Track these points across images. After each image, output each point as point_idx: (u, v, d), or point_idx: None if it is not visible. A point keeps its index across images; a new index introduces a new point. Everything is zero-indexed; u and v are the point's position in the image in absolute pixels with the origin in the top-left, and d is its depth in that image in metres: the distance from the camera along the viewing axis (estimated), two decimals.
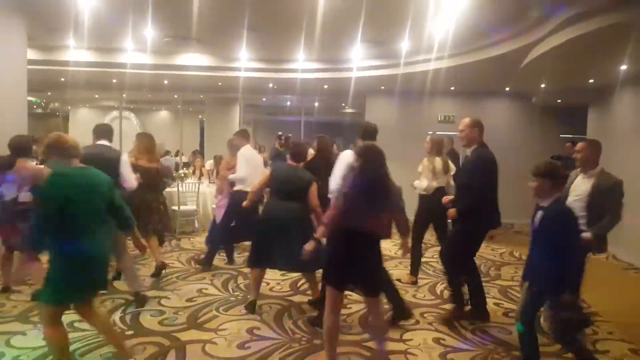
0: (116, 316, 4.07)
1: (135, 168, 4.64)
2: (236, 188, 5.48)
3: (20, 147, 4.21)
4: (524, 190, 11.17)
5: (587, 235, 3.60)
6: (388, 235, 3.22)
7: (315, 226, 3.95)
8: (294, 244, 3.68)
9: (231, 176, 5.59)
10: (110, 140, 4.55)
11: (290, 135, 9.98)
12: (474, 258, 4.36)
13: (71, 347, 3.41)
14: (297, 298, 4.66)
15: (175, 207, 7.35)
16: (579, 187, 3.84)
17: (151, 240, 5.10)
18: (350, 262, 3.01)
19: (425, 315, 4.35)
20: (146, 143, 5.21)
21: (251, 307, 4.24)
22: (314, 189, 4.10)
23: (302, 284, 5.12)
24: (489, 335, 3.93)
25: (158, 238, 5.85)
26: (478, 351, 3.62)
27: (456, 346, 3.71)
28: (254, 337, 3.72)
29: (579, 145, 3.98)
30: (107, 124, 4.85)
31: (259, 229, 4.21)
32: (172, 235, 7.10)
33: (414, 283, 5.27)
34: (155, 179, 5.11)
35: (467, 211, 4.04)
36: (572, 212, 3.04)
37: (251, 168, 5.46)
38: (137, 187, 4.50)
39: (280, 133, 9.78)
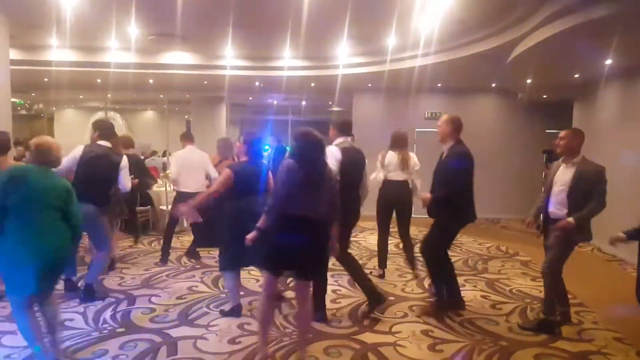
0: (107, 314, 4.06)
1: None
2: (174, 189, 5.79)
3: None
4: (510, 186, 11.32)
5: (570, 220, 3.71)
6: (331, 221, 3.17)
7: None
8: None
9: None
10: (110, 140, 4.57)
11: None
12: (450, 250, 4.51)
13: (63, 345, 3.41)
14: (287, 294, 4.67)
15: (164, 207, 7.32)
16: (562, 177, 3.91)
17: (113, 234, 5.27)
18: (291, 247, 2.99)
19: (413, 308, 4.40)
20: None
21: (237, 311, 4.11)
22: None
23: (291, 280, 5.14)
24: (476, 327, 3.99)
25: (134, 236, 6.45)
26: (466, 342, 3.68)
27: (445, 338, 3.76)
28: (245, 332, 3.74)
29: (563, 132, 3.97)
30: (111, 122, 4.83)
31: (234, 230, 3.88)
32: (160, 235, 7.05)
33: (381, 276, 5.38)
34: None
35: (441, 205, 4.05)
36: None
37: (184, 169, 5.57)
38: None
39: None
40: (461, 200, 4.02)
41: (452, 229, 4.22)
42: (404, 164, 5.23)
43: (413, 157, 5.37)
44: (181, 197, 5.46)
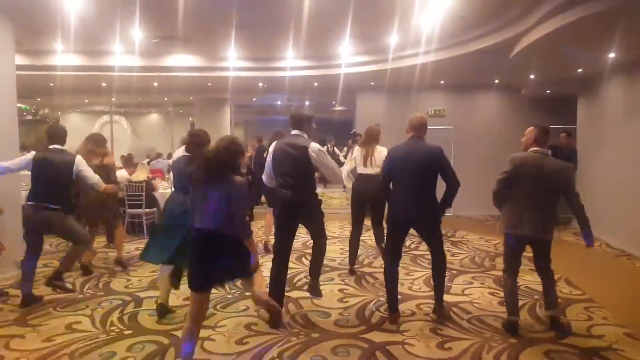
0: (114, 316, 4.07)
1: None
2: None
3: None
4: None
5: None
6: (241, 234, 2.89)
7: None
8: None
9: None
10: (63, 143, 4.48)
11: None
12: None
13: (70, 348, 3.42)
14: (294, 294, 4.67)
15: None
16: None
17: (116, 234, 5.68)
18: (205, 263, 2.80)
19: (421, 306, 4.38)
20: (89, 139, 5.50)
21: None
22: None
23: (299, 280, 5.14)
24: (485, 324, 3.97)
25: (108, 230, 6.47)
26: (475, 340, 3.66)
27: (453, 336, 3.74)
28: (252, 333, 3.73)
29: (526, 130, 4.08)
30: (60, 126, 4.77)
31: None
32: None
33: (351, 272, 5.43)
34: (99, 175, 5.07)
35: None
36: None
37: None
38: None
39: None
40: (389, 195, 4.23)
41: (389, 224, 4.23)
42: (366, 158, 5.30)
43: (381, 152, 5.26)
44: None
